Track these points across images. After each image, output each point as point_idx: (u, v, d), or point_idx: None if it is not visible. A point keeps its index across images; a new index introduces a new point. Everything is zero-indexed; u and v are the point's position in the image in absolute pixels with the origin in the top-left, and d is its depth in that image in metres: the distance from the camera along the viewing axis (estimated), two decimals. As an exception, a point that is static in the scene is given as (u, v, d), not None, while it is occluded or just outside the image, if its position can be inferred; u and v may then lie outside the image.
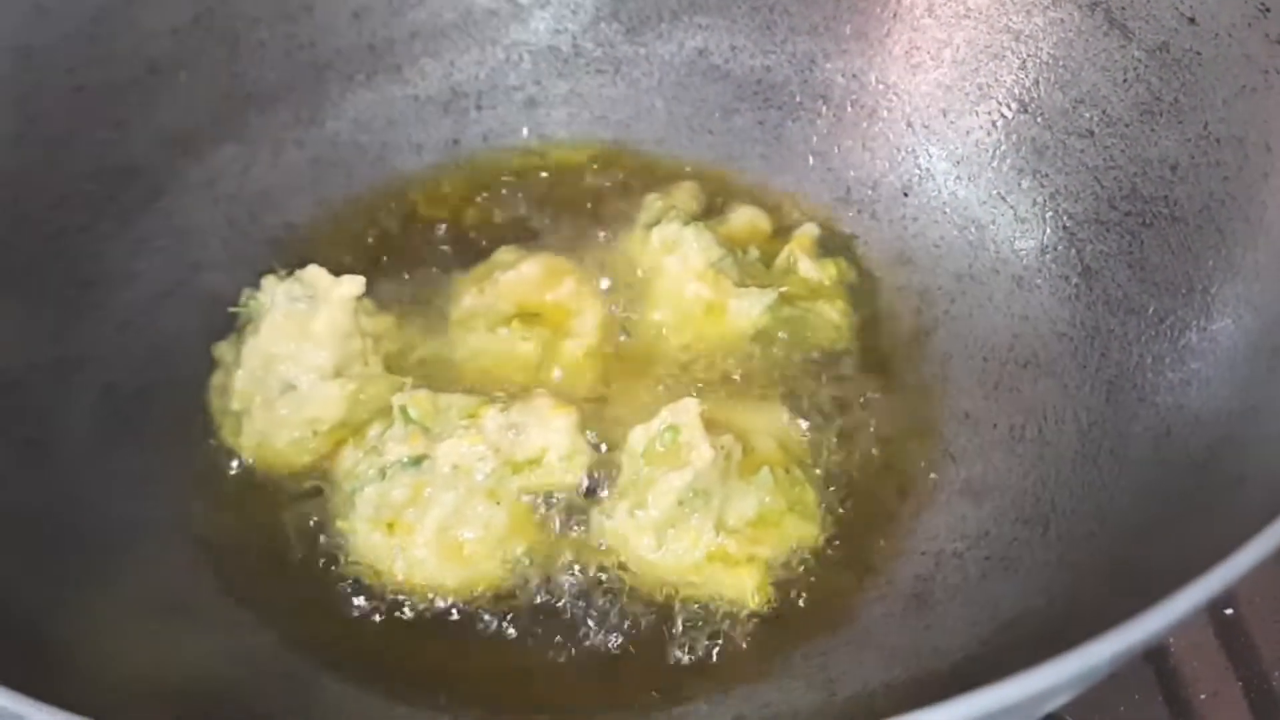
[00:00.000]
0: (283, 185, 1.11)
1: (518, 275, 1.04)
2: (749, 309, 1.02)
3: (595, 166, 1.17)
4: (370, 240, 1.10)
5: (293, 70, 1.11)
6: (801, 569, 0.91)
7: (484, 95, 1.18)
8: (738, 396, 1.00)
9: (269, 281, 0.98)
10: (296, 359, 0.96)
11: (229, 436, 0.97)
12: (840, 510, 0.94)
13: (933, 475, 0.97)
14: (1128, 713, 0.93)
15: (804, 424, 0.99)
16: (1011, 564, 0.89)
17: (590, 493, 0.94)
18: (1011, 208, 1.05)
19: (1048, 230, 1.02)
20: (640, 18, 1.17)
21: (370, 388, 0.97)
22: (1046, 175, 1.03)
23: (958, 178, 1.09)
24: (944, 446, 0.98)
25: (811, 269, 1.06)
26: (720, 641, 0.88)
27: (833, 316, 1.04)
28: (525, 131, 1.18)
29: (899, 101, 1.11)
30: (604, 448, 0.95)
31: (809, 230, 1.09)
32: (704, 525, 0.89)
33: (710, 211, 1.12)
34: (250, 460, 0.96)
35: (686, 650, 0.88)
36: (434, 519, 0.90)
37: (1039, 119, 1.03)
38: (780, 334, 1.03)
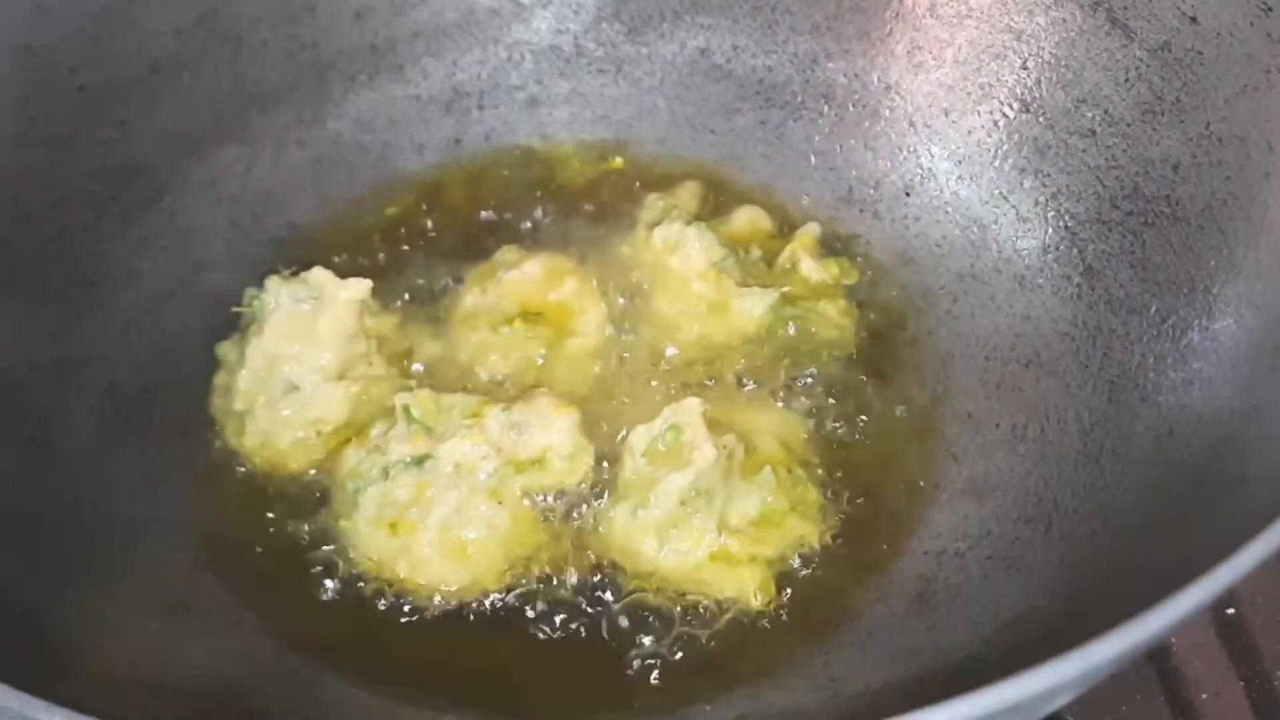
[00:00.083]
0: (285, 185, 1.11)
1: (520, 275, 1.04)
2: (751, 308, 1.02)
3: (598, 166, 1.17)
4: (372, 240, 1.10)
5: (295, 70, 1.11)
6: (804, 569, 0.91)
7: (486, 95, 1.18)
8: (740, 396, 1.00)
9: (273, 282, 0.98)
10: (300, 360, 0.95)
11: (232, 437, 0.97)
12: (842, 510, 0.94)
13: (935, 475, 0.97)
14: (1129, 713, 0.93)
15: (806, 423, 0.99)
16: (1014, 563, 0.89)
17: (593, 492, 0.94)
18: (1014, 207, 1.05)
19: (1050, 230, 1.03)
20: (642, 17, 1.17)
21: (374, 389, 0.97)
22: (1048, 175, 1.03)
23: (960, 177, 1.09)
24: (946, 446, 0.98)
25: (813, 269, 1.06)
26: (723, 641, 0.88)
27: (835, 316, 1.04)
28: (527, 131, 1.18)
29: (901, 101, 1.11)
30: (606, 447, 0.95)
31: (811, 230, 1.09)
32: (706, 525, 0.89)
33: (712, 211, 1.12)
34: (253, 461, 0.96)
35: (689, 650, 0.88)
36: (437, 519, 0.90)
37: (1041, 119, 1.03)
38: (782, 334, 1.03)
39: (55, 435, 0.92)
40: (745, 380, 1.01)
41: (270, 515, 0.94)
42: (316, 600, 0.90)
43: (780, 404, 1.00)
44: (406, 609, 0.90)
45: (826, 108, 1.14)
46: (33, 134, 0.96)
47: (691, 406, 0.90)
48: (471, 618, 0.89)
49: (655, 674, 0.87)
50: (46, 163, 0.97)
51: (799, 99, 1.15)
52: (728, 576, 0.89)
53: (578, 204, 1.13)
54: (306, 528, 0.93)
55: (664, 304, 1.04)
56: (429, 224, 1.12)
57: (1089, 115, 1.00)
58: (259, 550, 0.93)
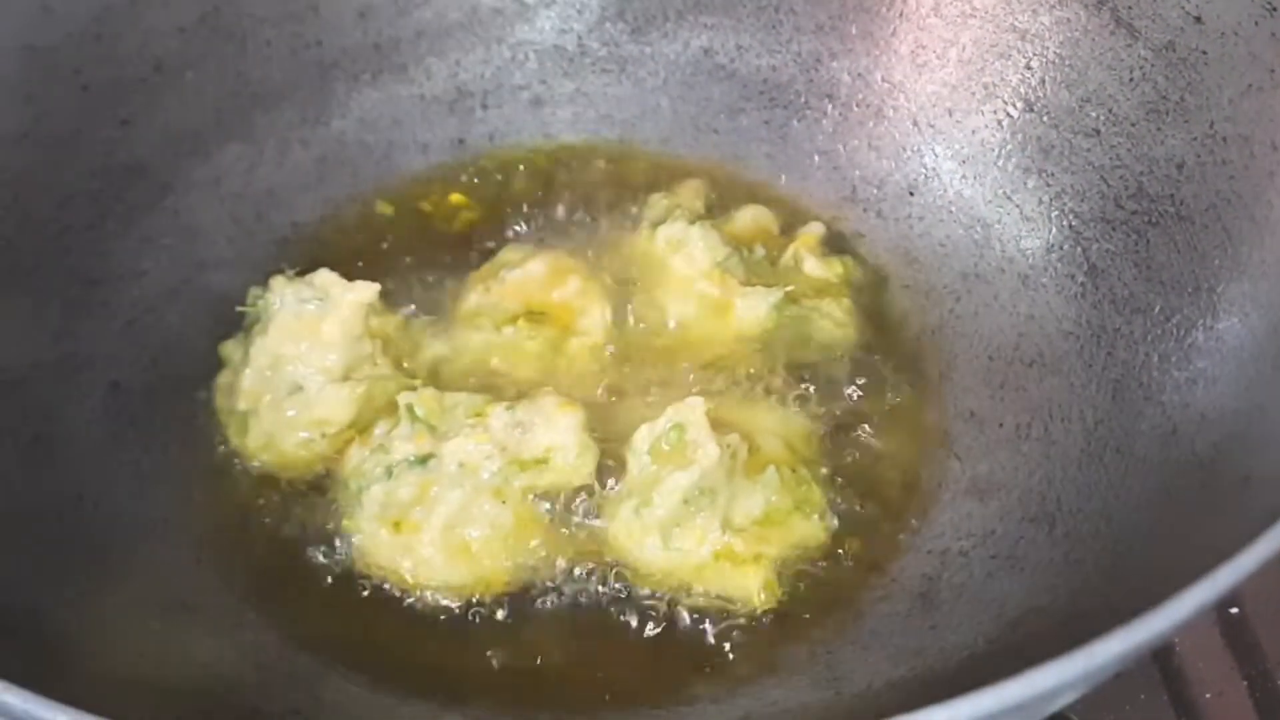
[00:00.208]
0: (288, 184, 1.11)
1: (524, 274, 1.04)
2: (755, 308, 1.02)
3: (601, 165, 1.17)
4: (376, 239, 1.10)
5: (298, 70, 1.11)
6: (807, 568, 0.91)
7: (489, 95, 1.18)
8: (744, 395, 1.00)
9: (278, 282, 0.97)
10: (305, 360, 0.95)
11: (235, 436, 0.97)
12: (846, 509, 0.94)
13: (938, 474, 0.97)
14: (1133, 712, 0.93)
15: (810, 423, 0.99)
16: (1017, 563, 0.89)
17: (596, 492, 0.94)
18: (1017, 207, 1.05)
19: (1053, 229, 1.02)
20: (645, 17, 1.17)
21: (378, 389, 0.97)
22: (1052, 174, 1.03)
23: (963, 177, 1.09)
24: (950, 445, 0.98)
25: (817, 267, 1.06)
26: (726, 640, 0.88)
27: (838, 315, 1.04)
28: (531, 131, 1.18)
29: (905, 101, 1.11)
30: (610, 446, 0.95)
31: (814, 229, 1.09)
32: (710, 524, 0.89)
33: (716, 210, 1.12)
34: (256, 460, 0.96)
35: (692, 649, 0.88)
36: (440, 517, 0.90)
37: (1045, 118, 1.03)
38: (786, 332, 1.03)
39: (58, 434, 0.92)
40: (749, 379, 1.01)
41: (272, 515, 0.94)
42: (319, 599, 0.90)
43: (783, 403, 1.00)
44: (410, 607, 0.90)
45: (830, 107, 1.14)
46: (36, 133, 0.96)
47: (695, 405, 0.90)
48: (474, 617, 0.89)
49: (659, 672, 0.87)
50: (50, 162, 0.97)
51: (803, 99, 1.15)
52: (731, 575, 0.89)
53: (581, 203, 1.13)
54: (309, 527, 0.93)
55: (667, 303, 1.04)
56: (432, 224, 1.12)
57: (1093, 115, 1.00)
58: (262, 549, 0.93)
